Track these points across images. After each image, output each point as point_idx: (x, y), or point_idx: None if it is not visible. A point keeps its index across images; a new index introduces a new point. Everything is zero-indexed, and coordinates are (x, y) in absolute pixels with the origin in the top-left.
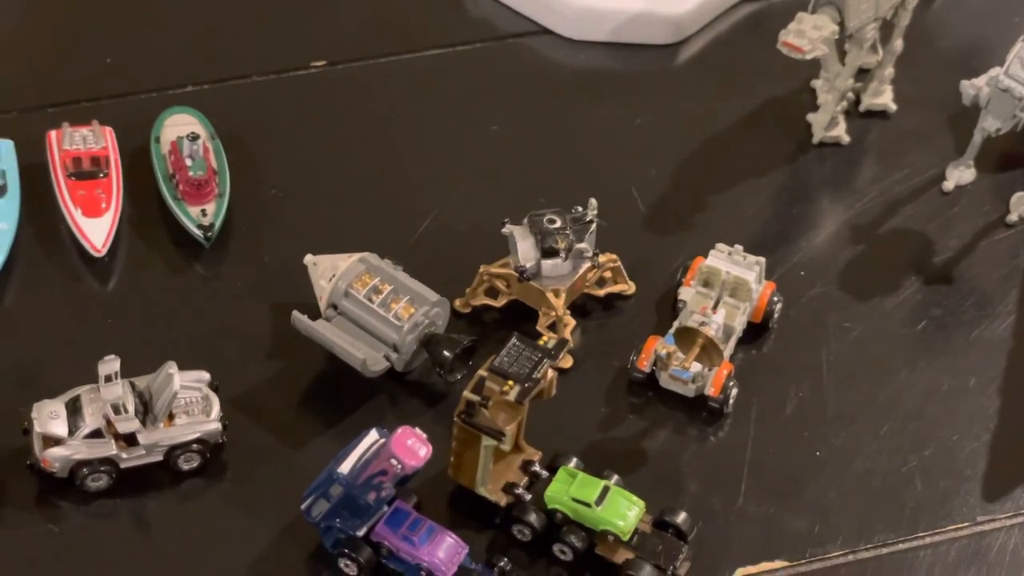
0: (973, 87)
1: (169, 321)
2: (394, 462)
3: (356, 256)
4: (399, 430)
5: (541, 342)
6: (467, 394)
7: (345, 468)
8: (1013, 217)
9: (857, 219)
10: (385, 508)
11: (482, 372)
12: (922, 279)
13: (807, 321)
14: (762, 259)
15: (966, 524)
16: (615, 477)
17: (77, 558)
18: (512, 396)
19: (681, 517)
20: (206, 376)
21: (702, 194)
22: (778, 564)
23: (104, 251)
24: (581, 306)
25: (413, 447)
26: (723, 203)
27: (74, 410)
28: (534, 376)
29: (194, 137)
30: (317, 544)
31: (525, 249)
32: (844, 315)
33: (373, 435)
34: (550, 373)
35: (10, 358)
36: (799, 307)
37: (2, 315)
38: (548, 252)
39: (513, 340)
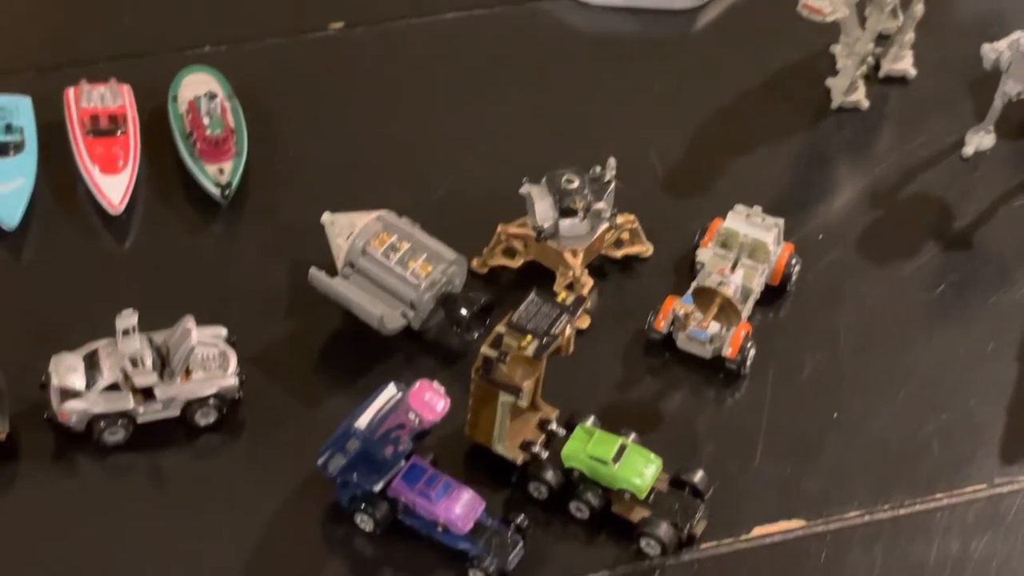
0: (994, 51)
1: (186, 279)
2: (411, 416)
3: (374, 214)
4: (417, 384)
5: (559, 299)
6: (485, 350)
7: (362, 422)
8: None
9: (875, 184)
10: (402, 463)
11: (500, 328)
12: (940, 245)
13: (825, 285)
14: (781, 220)
15: (983, 486)
16: (632, 435)
17: (93, 511)
18: (530, 351)
19: (698, 476)
20: (223, 332)
21: (720, 158)
22: (795, 523)
23: (121, 208)
24: (598, 267)
25: (431, 401)
26: (741, 167)
27: (92, 364)
28: (552, 332)
29: (212, 96)
30: (333, 500)
31: (543, 209)
32: (862, 279)
33: (391, 390)
34: (568, 330)
35: (27, 314)
36: (817, 271)
37: (20, 271)
38: (566, 212)
39: (532, 296)
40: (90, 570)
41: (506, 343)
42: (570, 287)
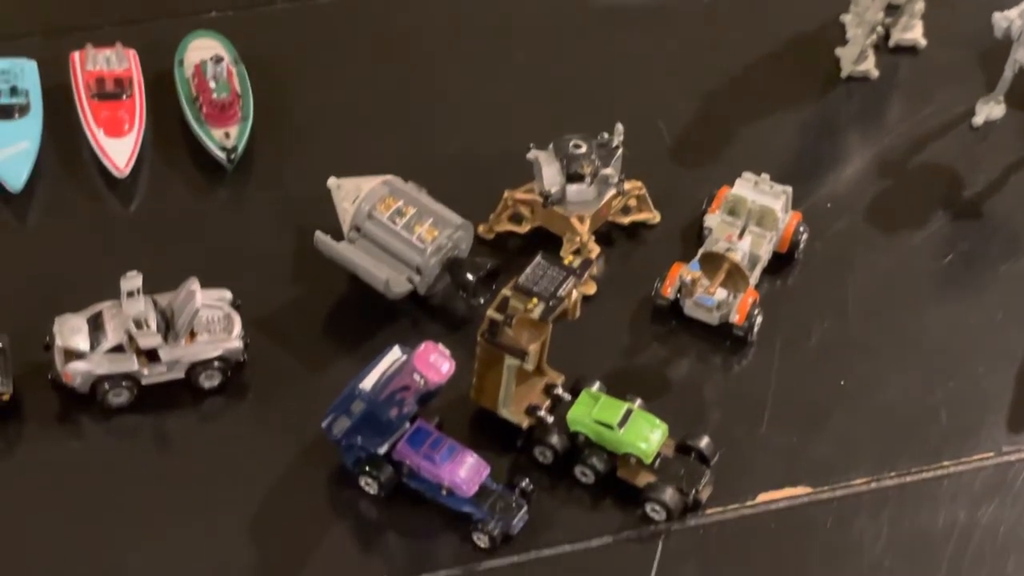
0: (1005, 19)
1: (191, 242)
2: (416, 377)
3: (380, 179)
4: (422, 345)
5: (566, 262)
6: (491, 312)
7: (367, 384)
8: None
9: (885, 154)
10: (407, 426)
11: (506, 291)
12: (950, 214)
13: (833, 253)
14: (789, 188)
15: (991, 455)
16: (638, 401)
17: (97, 473)
18: (536, 314)
19: (704, 441)
20: (228, 295)
21: (728, 127)
22: (800, 490)
23: (127, 172)
24: (605, 234)
25: (436, 363)
26: (749, 136)
27: (96, 325)
28: (558, 294)
29: (218, 60)
30: (338, 463)
31: (550, 174)
32: (870, 248)
33: (396, 352)
34: (575, 293)
35: (32, 277)
36: (825, 239)
37: (24, 234)
38: (573, 177)
39: (538, 259)
40: (93, 531)
41: (512, 306)
42: (577, 253)
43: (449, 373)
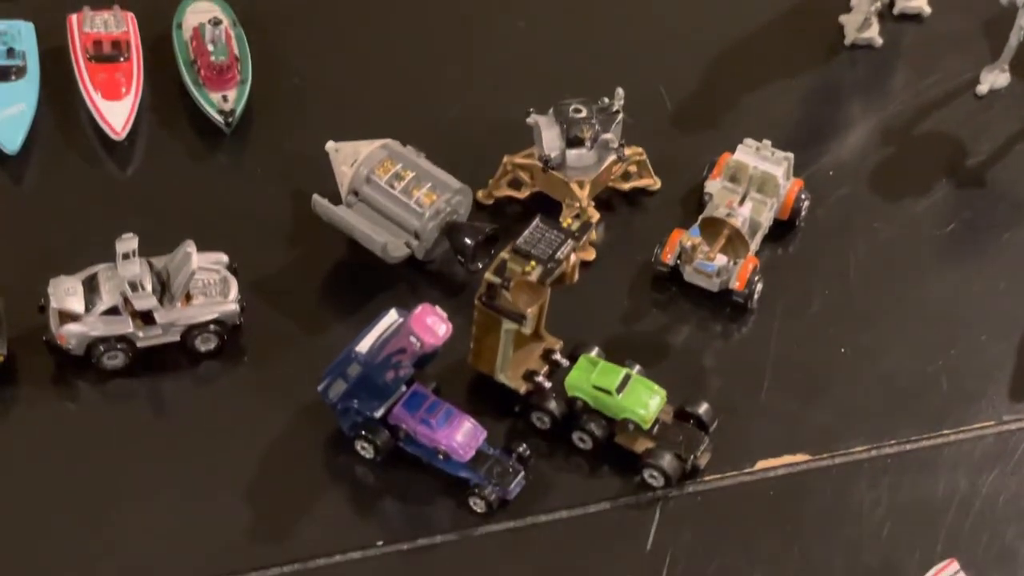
0: None
1: (188, 206)
2: (413, 340)
3: (378, 142)
4: (419, 308)
5: (565, 224)
6: (488, 276)
7: (363, 347)
8: None
9: (888, 122)
10: (403, 389)
11: (504, 254)
12: (953, 182)
13: (835, 221)
14: (790, 154)
15: (992, 423)
16: (637, 367)
17: (93, 436)
18: (534, 276)
19: (703, 408)
20: (224, 258)
21: (731, 94)
22: (799, 457)
23: (123, 135)
24: (606, 201)
25: (433, 325)
26: (752, 103)
27: (91, 288)
28: (557, 257)
29: (216, 22)
30: (334, 428)
31: (550, 138)
32: (873, 216)
33: (393, 315)
34: (573, 256)
35: (28, 239)
36: (827, 207)
37: (21, 196)
38: (573, 142)
39: (536, 221)
40: (87, 494)
41: (510, 269)
42: (577, 219)
43: (446, 335)
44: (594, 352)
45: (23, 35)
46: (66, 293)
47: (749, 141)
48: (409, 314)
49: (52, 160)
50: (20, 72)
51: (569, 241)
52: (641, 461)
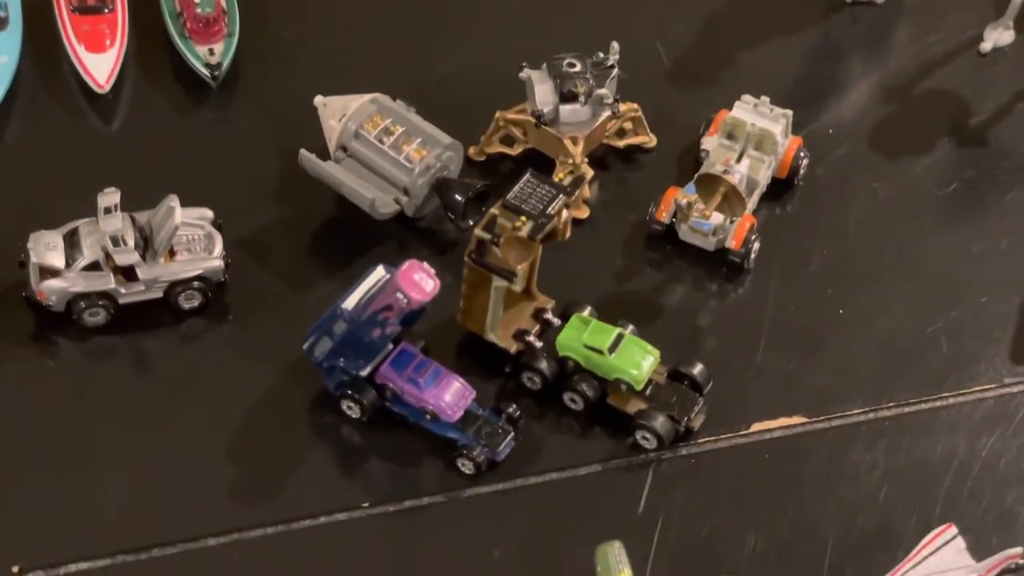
0: None
1: (173, 161)
2: (400, 296)
3: (368, 97)
4: (406, 264)
5: (557, 179)
6: (478, 232)
7: (349, 303)
8: None
9: (890, 80)
10: (390, 348)
11: (494, 209)
12: (955, 141)
13: (834, 180)
14: (789, 112)
15: (992, 386)
16: (630, 327)
17: (74, 394)
18: (525, 232)
19: (697, 369)
20: (209, 214)
21: (729, 50)
22: (796, 419)
23: (107, 88)
24: (600, 158)
25: (420, 281)
26: (750, 60)
27: (72, 243)
28: (548, 212)
29: None
30: (319, 386)
31: (543, 93)
32: (873, 175)
33: (380, 271)
34: (565, 212)
35: (9, 194)
36: (826, 165)
37: (2, 150)
38: (567, 97)
39: (527, 176)
40: (69, 452)
41: (500, 224)
42: (570, 176)
43: (434, 292)
44: (586, 311)
45: None
46: (46, 248)
47: (747, 97)
48: (396, 270)
49: (34, 113)
50: (3, 23)
51: (561, 196)
52: (633, 422)
